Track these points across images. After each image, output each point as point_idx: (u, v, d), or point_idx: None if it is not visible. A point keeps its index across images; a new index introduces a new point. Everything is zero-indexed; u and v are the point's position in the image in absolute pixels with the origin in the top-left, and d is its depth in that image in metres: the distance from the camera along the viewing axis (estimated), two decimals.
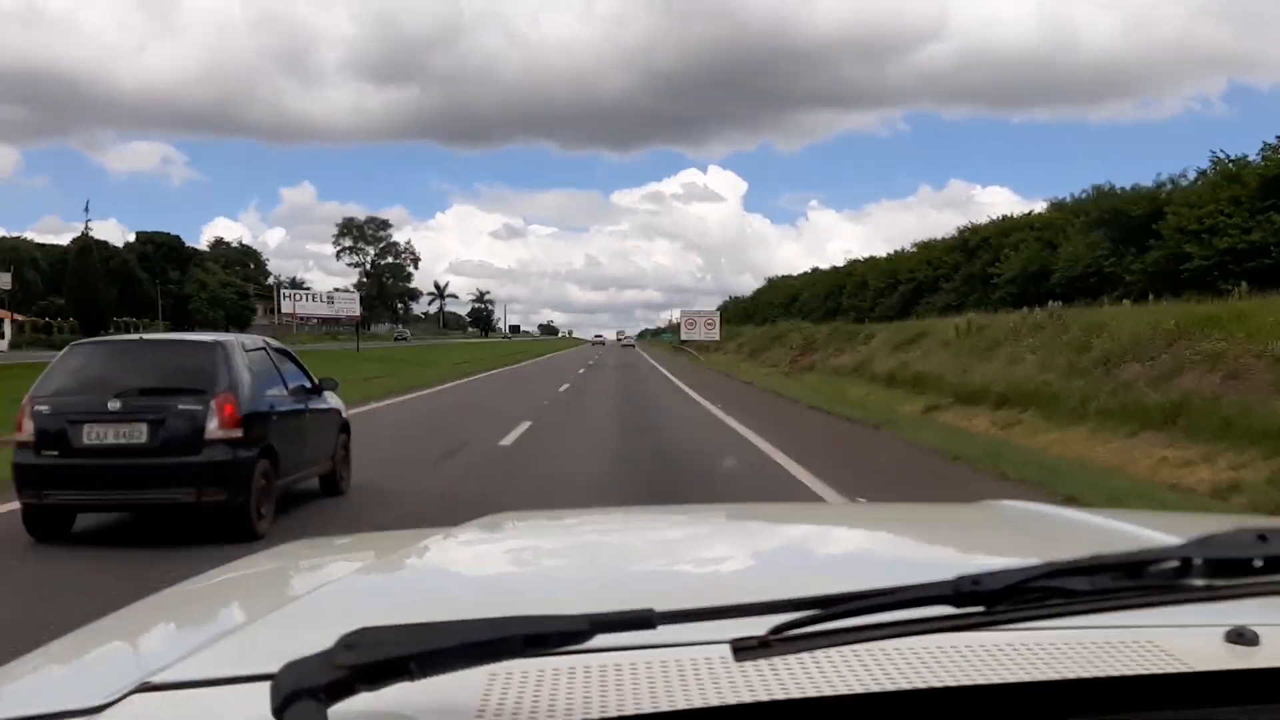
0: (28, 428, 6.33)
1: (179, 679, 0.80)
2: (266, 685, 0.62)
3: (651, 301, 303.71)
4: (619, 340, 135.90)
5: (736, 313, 62.78)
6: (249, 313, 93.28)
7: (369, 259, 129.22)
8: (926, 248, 38.52)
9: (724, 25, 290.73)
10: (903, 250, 42.23)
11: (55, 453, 6.25)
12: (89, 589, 5.20)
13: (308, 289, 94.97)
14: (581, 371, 37.55)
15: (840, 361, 29.57)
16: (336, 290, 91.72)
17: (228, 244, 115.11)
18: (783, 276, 70.44)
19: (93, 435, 6.26)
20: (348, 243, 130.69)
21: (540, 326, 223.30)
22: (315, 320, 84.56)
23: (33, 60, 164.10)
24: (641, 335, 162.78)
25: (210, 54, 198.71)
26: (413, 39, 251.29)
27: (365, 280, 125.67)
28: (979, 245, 33.36)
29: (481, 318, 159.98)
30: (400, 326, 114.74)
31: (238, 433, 6.35)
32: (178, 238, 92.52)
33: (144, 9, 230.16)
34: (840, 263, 56.87)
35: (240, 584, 1.39)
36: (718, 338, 53.34)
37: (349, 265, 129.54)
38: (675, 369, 37.56)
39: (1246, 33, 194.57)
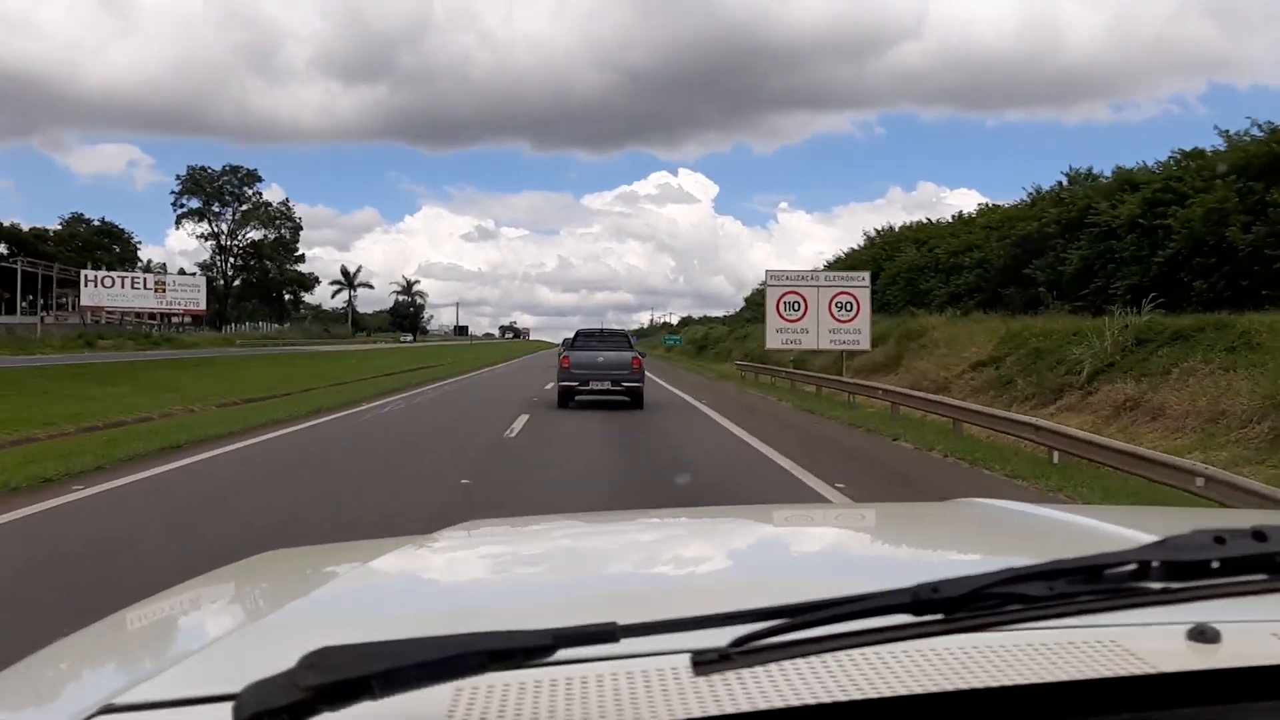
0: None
1: (142, 700, 0.78)
2: (229, 706, 0.61)
3: (624, 303, 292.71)
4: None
5: None
6: None
7: (227, 226, 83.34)
8: None
9: (699, 24, 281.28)
10: None
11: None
12: None
13: (151, 272, 66.53)
14: None
15: None
16: (182, 274, 63.14)
17: (88, 221, 78.99)
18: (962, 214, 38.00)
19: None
20: (195, 204, 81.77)
21: (502, 328, 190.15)
22: (151, 316, 58.45)
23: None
24: None
25: (176, 53, 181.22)
26: (382, 36, 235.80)
27: (221, 258, 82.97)
28: None
29: (407, 315, 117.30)
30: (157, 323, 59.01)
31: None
32: None
33: (107, 7, 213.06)
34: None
35: (206, 599, 1.37)
36: (865, 345, 24.15)
37: (193, 235, 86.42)
38: None
39: (1227, 32, 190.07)
